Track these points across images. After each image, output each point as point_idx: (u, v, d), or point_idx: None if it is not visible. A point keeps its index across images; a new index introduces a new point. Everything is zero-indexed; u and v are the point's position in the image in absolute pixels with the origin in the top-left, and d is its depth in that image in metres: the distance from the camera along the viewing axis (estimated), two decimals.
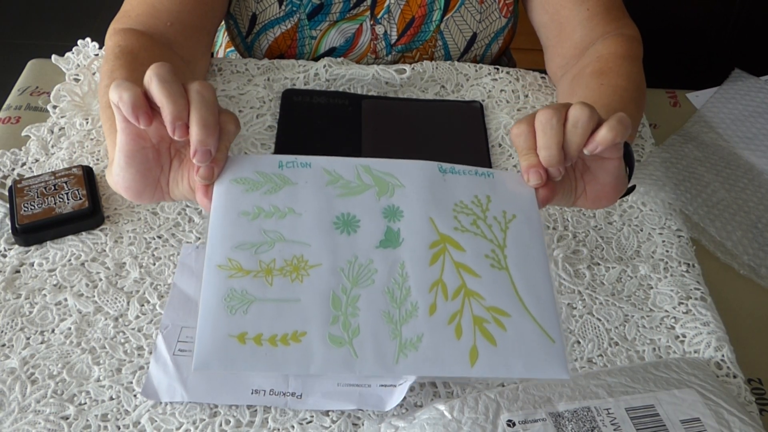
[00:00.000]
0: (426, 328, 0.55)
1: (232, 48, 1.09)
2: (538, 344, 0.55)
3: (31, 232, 0.75)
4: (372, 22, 0.97)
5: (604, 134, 0.59)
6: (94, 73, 0.94)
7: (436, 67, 0.97)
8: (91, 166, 0.83)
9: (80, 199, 0.77)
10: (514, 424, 0.59)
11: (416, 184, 0.61)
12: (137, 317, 0.70)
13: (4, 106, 0.93)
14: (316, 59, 0.99)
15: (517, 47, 1.19)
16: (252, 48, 1.00)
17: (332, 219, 0.59)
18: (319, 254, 0.57)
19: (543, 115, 0.60)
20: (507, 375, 0.54)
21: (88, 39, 0.98)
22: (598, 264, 0.77)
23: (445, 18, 0.98)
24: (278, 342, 0.53)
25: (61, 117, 0.89)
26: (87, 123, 0.88)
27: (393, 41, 0.99)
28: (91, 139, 0.86)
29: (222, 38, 1.17)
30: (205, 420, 0.63)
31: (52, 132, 0.87)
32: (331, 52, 0.99)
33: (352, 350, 0.54)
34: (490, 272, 0.58)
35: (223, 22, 1.06)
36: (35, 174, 0.81)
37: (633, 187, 0.73)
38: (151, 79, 0.56)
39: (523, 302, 0.57)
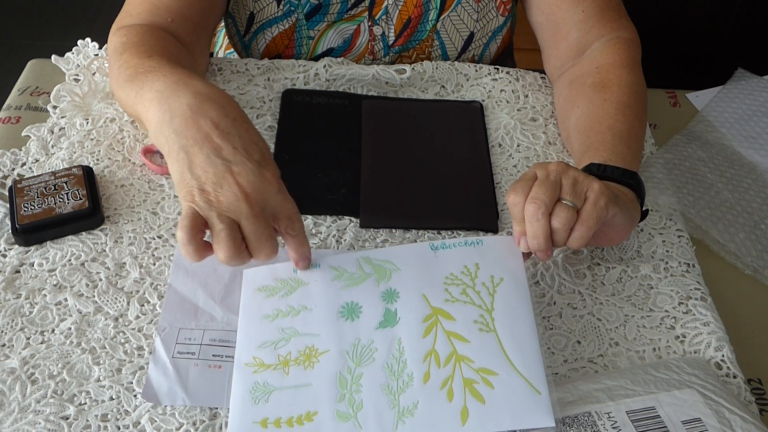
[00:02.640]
0: (421, 396, 0.61)
1: (231, 50, 1.09)
2: (524, 398, 0.60)
3: (31, 232, 0.75)
4: (370, 23, 0.97)
5: (574, 242, 0.67)
6: (93, 74, 0.94)
7: (436, 67, 0.97)
8: (91, 166, 0.83)
9: (80, 199, 0.77)
10: None
11: (410, 266, 0.69)
12: (137, 317, 0.70)
13: (4, 106, 0.93)
14: (314, 60, 0.99)
15: (517, 47, 1.18)
16: (249, 47, 1.00)
17: (338, 309, 0.66)
18: (328, 342, 0.65)
19: (530, 209, 0.65)
20: (496, 429, 0.59)
21: (88, 39, 0.98)
22: (599, 264, 0.77)
23: (442, 17, 0.98)
24: (294, 423, 0.60)
25: (62, 117, 0.89)
26: (87, 123, 0.88)
27: (390, 42, 0.99)
28: (91, 139, 0.86)
29: (222, 39, 1.17)
30: (205, 422, 0.62)
31: (52, 132, 0.87)
32: (329, 53, 0.99)
33: (356, 423, 0.60)
34: (478, 336, 0.63)
35: (222, 22, 1.06)
36: (35, 174, 0.81)
37: (646, 212, 0.75)
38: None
39: (510, 360, 0.62)
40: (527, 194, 0.66)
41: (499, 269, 0.67)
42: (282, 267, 0.70)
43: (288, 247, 0.68)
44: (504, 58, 1.09)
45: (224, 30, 1.14)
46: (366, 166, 0.85)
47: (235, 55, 1.06)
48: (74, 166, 0.80)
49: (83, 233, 0.76)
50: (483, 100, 0.95)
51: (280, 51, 0.99)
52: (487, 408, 0.60)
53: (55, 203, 0.76)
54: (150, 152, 0.85)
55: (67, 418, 0.62)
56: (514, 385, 0.60)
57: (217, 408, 0.63)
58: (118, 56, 0.80)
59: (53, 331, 0.69)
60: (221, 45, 1.17)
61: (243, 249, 0.63)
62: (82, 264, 0.74)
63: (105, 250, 0.75)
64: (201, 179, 0.63)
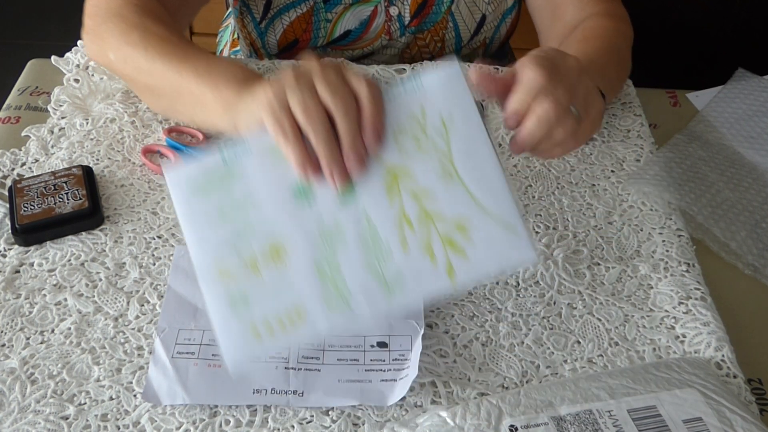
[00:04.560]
0: (404, 264, 0.58)
1: (237, 48, 1.08)
2: (503, 240, 0.58)
3: (31, 232, 0.75)
4: (386, 4, 0.97)
5: (553, 152, 0.64)
6: (92, 75, 0.94)
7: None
8: (90, 166, 0.83)
9: (80, 199, 0.77)
10: (516, 429, 0.59)
11: None
12: (137, 317, 0.70)
13: (4, 106, 0.93)
14: (331, 43, 0.99)
15: (516, 47, 1.19)
16: (266, 33, 0.99)
17: (290, 193, 0.60)
18: (291, 234, 0.59)
19: (549, 109, 0.62)
20: (485, 276, 0.58)
21: None
22: (599, 264, 0.77)
23: None
24: (285, 322, 0.57)
25: (62, 118, 0.89)
26: (87, 123, 0.88)
27: (406, 23, 0.99)
28: (91, 139, 0.86)
29: (228, 37, 1.16)
30: (205, 420, 0.62)
31: (52, 132, 0.87)
32: (346, 36, 0.99)
33: (349, 309, 0.58)
34: (443, 186, 0.59)
35: (230, 17, 1.06)
36: (35, 174, 0.81)
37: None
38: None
39: (480, 205, 0.59)
40: (550, 79, 0.61)
41: (447, 107, 0.61)
42: (208, 161, 0.61)
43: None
44: (504, 54, 1.09)
45: (230, 28, 1.13)
46: None
47: (241, 55, 1.06)
48: (74, 166, 0.80)
49: (83, 233, 0.76)
50: (483, 100, 0.95)
51: (297, 35, 0.99)
52: (470, 260, 0.58)
53: (54, 203, 0.76)
54: (150, 152, 0.85)
55: (67, 418, 0.62)
56: (490, 230, 0.58)
57: (216, 407, 0.63)
58: (139, 19, 0.79)
59: (53, 331, 0.69)
60: (226, 43, 1.17)
61: None
62: (82, 264, 0.74)
63: (105, 250, 0.75)
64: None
